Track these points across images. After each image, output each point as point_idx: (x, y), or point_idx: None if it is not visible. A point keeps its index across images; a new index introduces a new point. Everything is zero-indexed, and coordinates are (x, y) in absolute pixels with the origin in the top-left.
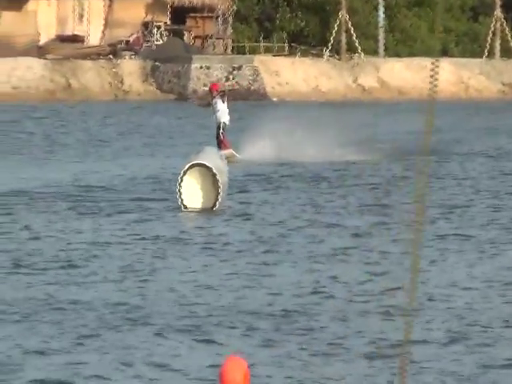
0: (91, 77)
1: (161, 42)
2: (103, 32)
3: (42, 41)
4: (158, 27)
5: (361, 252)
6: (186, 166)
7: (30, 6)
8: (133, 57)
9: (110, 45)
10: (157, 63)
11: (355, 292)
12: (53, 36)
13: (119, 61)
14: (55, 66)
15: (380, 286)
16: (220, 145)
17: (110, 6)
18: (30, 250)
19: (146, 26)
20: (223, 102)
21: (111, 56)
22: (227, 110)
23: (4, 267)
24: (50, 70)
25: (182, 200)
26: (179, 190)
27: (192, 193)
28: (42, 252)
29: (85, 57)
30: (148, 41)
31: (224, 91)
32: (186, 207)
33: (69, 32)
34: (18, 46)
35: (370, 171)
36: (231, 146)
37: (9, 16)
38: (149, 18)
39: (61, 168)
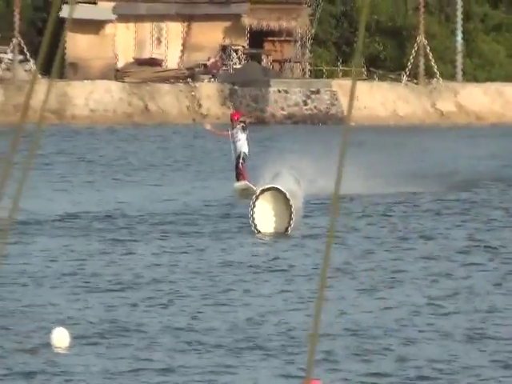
0: (169, 100)
1: (239, 65)
2: (181, 55)
3: (120, 64)
4: (236, 51)
5: (426, 277)
6: (259, 190)
7: (108, 30)
8: (211, 80)
9: (188, 68)
10: (235, 87)
11: (421, 316)
12: (130, 59)
13: (197, 84)
14: (133, 89)
15: (447, 311)
16: (239, 176)
17: (188, 30)
18: (107, 273)
19: (224, 49)
20: (243, 132)
21: (189, 79)
22: (247, 141)
23: (79, 289)
24: (128, 93)
25: (255, 224)
26: (252, 214)
27: (265, 217)
28: (117, 275)
29: (163, 80)
30: (226, 64)
31: (245, 122)
32: (258, 231)
33: (146, 55)
34: (96, 69)
35: (438, 200)
36: (249, 178)
37: (87, 39)
38: (227, 41)
39: (135, 192)
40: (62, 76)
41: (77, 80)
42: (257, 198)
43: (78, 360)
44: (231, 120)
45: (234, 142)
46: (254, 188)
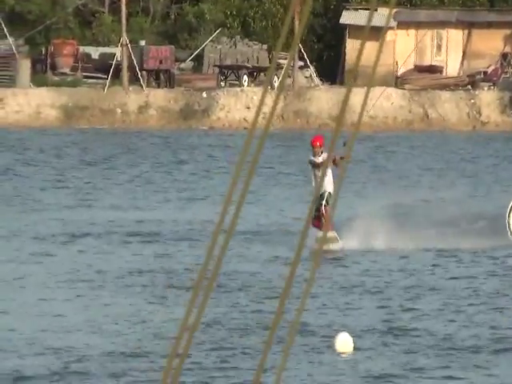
0: (449, 107)
1: None
2: (461, 63)
3: (400, 71)
4: None
5: None
6: None
7: (388, 36)
8: (491, 88)
9: (468, 75)
10: None
11: None
12: (411, 66)
13: (477, 91)
14: (413, 96)
15: None
16: (317, 221)
17: (468, 37)
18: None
19: (504, 57)
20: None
21: (469, 87)
22: (333, 177)
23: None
24: (408, 101)
25: (511, 230)
26: (509, 221)
27: None
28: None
29: (442, 87)
30: (506, 72)
31: (335, 158)
32: None
33: (427, 62)
34: (376, 75)
35: None
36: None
37: (367, 46)
38: (507, 49)
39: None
40: (342, 83)
41: (357, 87)
42: None
43: (358, 364)
44: (312, 146)
45: (316, 177)
46: (339, 240)
